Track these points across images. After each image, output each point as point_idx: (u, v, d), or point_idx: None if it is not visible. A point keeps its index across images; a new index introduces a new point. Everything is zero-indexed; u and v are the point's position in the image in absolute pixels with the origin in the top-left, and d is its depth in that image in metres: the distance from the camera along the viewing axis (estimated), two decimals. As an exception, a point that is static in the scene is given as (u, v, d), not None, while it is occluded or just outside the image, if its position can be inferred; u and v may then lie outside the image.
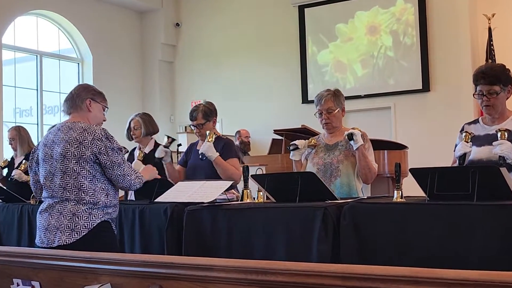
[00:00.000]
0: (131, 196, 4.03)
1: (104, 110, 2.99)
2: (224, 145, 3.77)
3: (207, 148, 3.59)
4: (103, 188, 2.80)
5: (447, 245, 2.20)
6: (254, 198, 2.99)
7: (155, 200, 3.20)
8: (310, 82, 9.21)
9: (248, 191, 3.02)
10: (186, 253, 2.84)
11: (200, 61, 10.21)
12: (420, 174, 2.40)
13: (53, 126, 3.26)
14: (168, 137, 3.91)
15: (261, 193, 2.93)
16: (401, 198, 2.52)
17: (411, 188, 2.84)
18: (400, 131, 8.44)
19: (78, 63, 9.76)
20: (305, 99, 9.15)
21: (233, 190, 3.57)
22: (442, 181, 2.34)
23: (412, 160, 6.43)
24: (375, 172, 3.29)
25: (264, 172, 4.05)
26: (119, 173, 2.81)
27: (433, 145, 7.73)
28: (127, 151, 4.24)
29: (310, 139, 3.46)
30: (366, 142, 3.27)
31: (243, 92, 9.68)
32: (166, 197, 3.18)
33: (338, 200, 2.73)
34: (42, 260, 2.16)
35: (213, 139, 3.64)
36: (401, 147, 6.58)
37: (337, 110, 3.37)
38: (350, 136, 3.19)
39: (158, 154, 3.82)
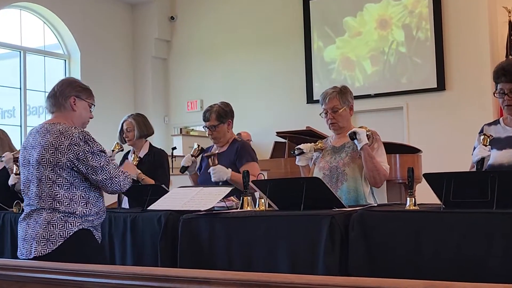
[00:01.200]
0: (125, 204, 4.03)
1: (90, 108, 2.95)
2: (238, 149, 3.75)
3: (218, 174, 3.56)
4: (82, 197, 2.77)
5: (464, 256, 2.20)
6: (255, 206, 2.99)
7: (148, 208, 3.20)
8: (316, 80, 9.22)
9: (249, 198, 3.02)
10: (181, 265, 2.84)
11: (197, 58, 10.22)
12: (435, 180, 2.40)
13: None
14: (198, 145, 3.85)
15: (263, 200, 2.93)
16: (414, 205, 2.53)
17: (425, 195, 2.84)
18: (413, 134, 8.45)
19: (65, 60, 9.78)
20: (310, 99, 9.15)
21: (232, 197, 3.56)
22: (458, 187, 2.34)
23: (426, 164, 6.44)
24: (385, 174, 3.25)
25: (266, 178, 4.04)
26: (105, 177, 2.78)
27: (449, 149, 7.74)
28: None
29: (317, 142, 3.45)
30: (375, 142, 3.25)
31: (243, 91, 9.69)
32: (160, 204, 3.18)
33: (346, 207, 2.74)
34: (27, 273, 2.16)
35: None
36: (414, 150, 6.59)
37: (343, 109, 3.37)
38: (353, 135, 3.18)
39: (185, 162, 3.78)
